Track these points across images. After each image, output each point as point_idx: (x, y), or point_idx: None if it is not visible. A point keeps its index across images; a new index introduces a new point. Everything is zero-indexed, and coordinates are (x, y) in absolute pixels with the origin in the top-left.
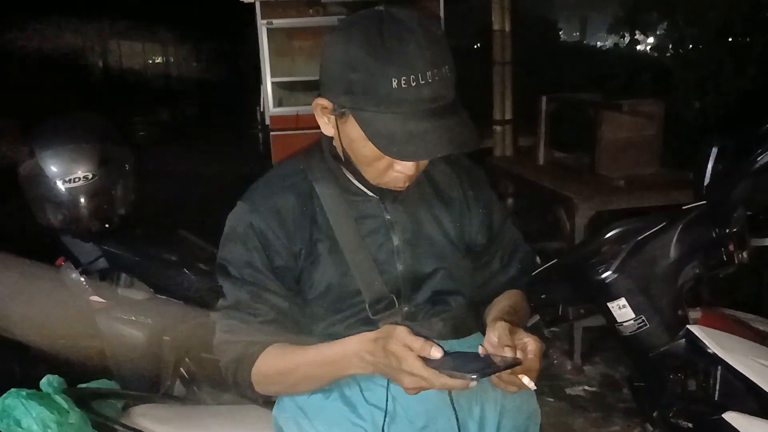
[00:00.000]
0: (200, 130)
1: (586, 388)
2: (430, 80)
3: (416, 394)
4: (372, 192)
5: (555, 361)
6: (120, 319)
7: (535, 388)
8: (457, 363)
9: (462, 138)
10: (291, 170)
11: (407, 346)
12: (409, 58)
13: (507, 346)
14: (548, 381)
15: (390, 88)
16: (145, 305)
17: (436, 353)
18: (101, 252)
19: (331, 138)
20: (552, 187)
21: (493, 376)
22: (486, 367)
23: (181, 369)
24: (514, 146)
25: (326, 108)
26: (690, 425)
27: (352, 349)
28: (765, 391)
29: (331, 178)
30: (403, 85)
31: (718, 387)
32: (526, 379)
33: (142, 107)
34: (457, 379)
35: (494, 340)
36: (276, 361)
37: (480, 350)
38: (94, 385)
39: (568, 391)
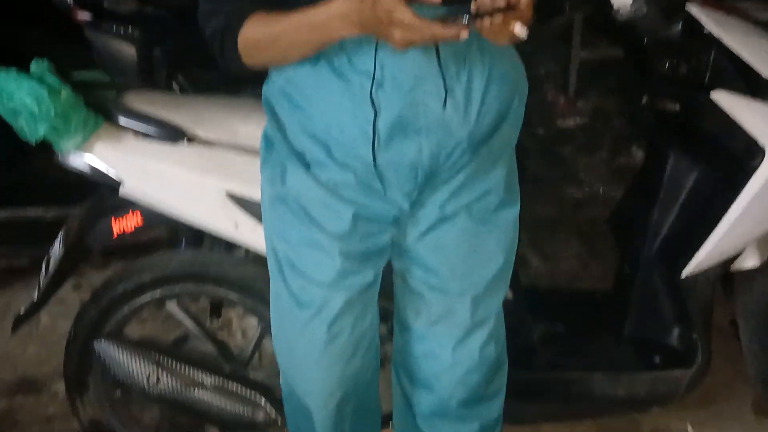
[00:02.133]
0: None
1: (577, 120)
2: None
3: (406, 48)
4: None
5: (549, 96)
6: (108, 31)
7: (525, 37)
8: (449, 9)
9: None
10: None
11: None
12: None
13: None
14: (539, 115)
15: None
16: (132, 17)
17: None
18: None
19: None
20: None
21: (485, 27)
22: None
23: (174, 84)
24: None
25: None
26: (677, 107)
27: (338, 10)
28: (755, 70)
29: None
30: None
31: (709, 69)
32: (518, 27)
33: None
34: (447, 29)
35: None
36: (261, 28)
37: (472, 6)
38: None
39: (559, 123)
